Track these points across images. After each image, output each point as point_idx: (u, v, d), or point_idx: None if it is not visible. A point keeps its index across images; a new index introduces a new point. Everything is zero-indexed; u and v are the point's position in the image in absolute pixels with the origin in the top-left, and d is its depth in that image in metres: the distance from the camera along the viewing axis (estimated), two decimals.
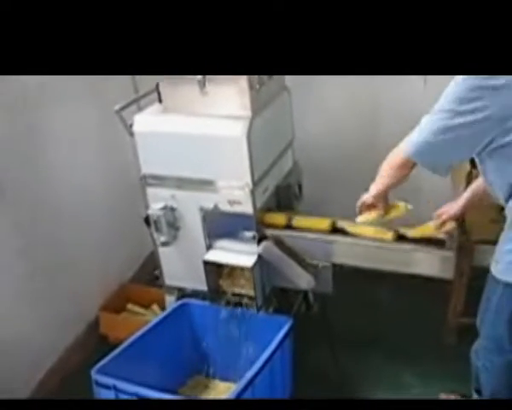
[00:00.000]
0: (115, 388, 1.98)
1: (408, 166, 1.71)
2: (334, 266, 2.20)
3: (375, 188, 1.91)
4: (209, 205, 2.20)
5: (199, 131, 2.14)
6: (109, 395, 2.00)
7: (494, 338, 1.91)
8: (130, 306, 2.99)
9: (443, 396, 2.37)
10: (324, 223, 2.25)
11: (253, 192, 2.13)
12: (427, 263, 2.10)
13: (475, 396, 2.15)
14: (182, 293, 2.49)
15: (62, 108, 2.52)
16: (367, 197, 1.95)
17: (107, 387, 2.00)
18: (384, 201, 1.96)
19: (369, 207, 1.99)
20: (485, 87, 1.44)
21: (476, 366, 2.06)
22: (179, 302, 2.42)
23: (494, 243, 1.83)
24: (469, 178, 2.31)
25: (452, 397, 2.34)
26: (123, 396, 1.97)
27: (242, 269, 2.24)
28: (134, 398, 1.93)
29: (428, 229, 2.08)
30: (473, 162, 1.93)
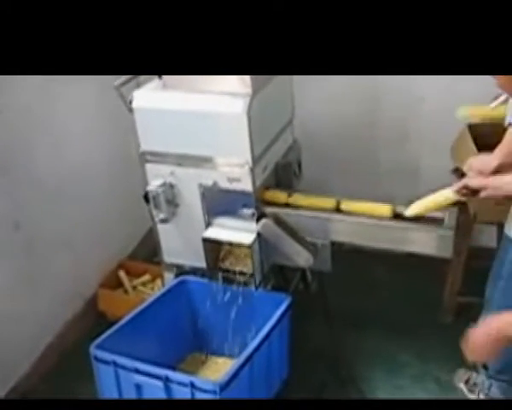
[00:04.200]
0: (115, 363, 1.98)
1: None
2: (333, 244, 2.21)
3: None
4: (208, 182, 2.19)
5: (199, 108, 2.12)
6: (108, 370, 2.00)
7: (506, 309, 1.91)
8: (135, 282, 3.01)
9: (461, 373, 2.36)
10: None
11: (252, 169, 2.12)
12: (426, 242, 2.10)
13: (482, 371, 2.17)
14: (180, 270, 2.48)
15: (61, 84, 2.50)
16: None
17: (106, 362, 2.01)
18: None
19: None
20: None
21: None
22: (178, 279, 2.42)
23: (499, 224, 1.83)
24: None
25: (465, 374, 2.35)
26: (122, 372, 1.98)
27: (241, 246, 2.24)
28: (133, 374, 1.94)
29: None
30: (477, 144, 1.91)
